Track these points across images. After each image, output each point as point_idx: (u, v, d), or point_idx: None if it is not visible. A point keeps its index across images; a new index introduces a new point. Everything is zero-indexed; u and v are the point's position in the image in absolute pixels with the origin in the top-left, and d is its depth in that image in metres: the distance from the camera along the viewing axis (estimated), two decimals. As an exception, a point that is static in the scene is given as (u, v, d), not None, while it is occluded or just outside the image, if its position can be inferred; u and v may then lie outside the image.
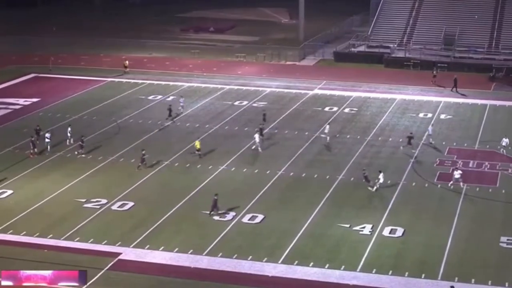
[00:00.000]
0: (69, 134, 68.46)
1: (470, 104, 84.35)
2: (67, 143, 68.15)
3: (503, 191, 58.67)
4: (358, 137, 71.31)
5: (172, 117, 77.08)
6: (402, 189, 58.90)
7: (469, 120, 77.94)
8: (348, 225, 51.78)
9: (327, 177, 61.13)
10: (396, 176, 61.31)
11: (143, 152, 62.91)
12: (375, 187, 57.96)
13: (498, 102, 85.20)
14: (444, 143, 69.64)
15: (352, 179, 60.90)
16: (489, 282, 44.52)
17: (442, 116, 78.85)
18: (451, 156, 66.28)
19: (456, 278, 44.48)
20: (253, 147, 67.18)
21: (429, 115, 79.34)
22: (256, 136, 67.32)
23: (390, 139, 71.15)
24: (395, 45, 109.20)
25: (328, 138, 67.53)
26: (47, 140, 66.59)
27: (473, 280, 44.68)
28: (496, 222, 53.11)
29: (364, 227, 51.60)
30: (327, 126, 67.44)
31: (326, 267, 46.27)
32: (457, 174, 59.06)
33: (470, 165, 64.23)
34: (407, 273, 45.53)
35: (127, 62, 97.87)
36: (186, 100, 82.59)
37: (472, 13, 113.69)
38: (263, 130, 70.83)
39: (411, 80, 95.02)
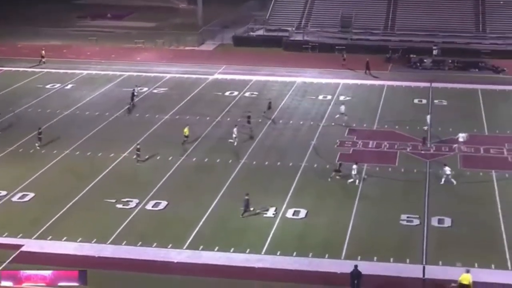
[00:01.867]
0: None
1: (368, 85, 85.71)
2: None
3: (402, 169, 59.86)
4: (260, 120, 71.62)
5: (132, 103, 76.48)
6: (304, 171, 59.46)
7: (368, 101, 79.20)
8: (251, 209, 52.00)
9: (230, 161, 61.27)
10: (298, 158, 61.86)
11: (138, 147, 61.88)
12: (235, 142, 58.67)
13: (395, 82, 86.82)
14: (343, 124, 70.55)
15: (254, 162, 61.18)
16: (391, 260, 45.40)
17: (341, 98, 79.85)
18: (351, 137, 67.23)
19: (359, 257, 45.16)
20: (230, 140, 65.51)
21: (329, 97, 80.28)
22: (235, 129, 66.00)
23: (291, 121, 71.70)
24: (293, 29, 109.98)
25: (235, 143, 65.46)
26: None
27: (375, 258, 45.48)
28: (396, 201, 54.18)
29: (267, 210, 51.94)
30: (235, 130, 66.24)
31: (231, 251, 46.40)
32: None
33: (370, 145, 65.31)
34: (311, 254, 46.05)
35: (43, 51, 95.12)
36: (86, 88, 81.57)
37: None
38: (250, 118, 70.76)
39: (310, 62, 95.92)
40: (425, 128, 67.90)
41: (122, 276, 43.75)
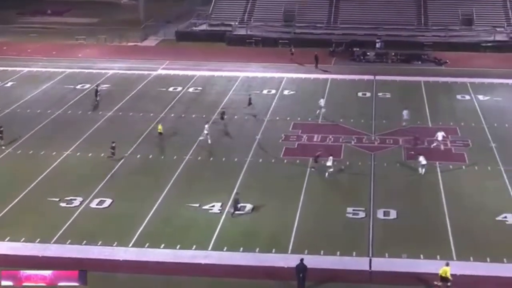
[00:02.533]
0: None
1: (312, 79, 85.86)
2: None
3: (347, 162, 60.00)
4: (204, 116, 71.16)
5: (97, 99, 75.69)
6: (250, 166, 59.30)
7: (312, 94, 79.29)
8: (197, 205, 51.71)
9: (174, 157, 60.84)
10: (243, 153, 61.66)
11: (113, 144, 60.82)
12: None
13: (339, 76, 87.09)
14: (288, 118, 70.55)
15: (199, 158, 60.84)
16: (337, 253, 45.51)
17: (286, 92, 79.90)
18: (296, 131, 67.24)
19: (306, 251, 45.16)
20: (201, 137, 64.67)
21: (273, 91, 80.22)
22: (206, 126, 65.13)
23: (236, 116, 71.43)
24: (237, 23, 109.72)
25: (209, 140, 64.69)
26: None
27: (322, 252, 45.55)
28: (342, 194, 54.33)
29: (213, 206, 51.67)
30: (206, 126, 65.27)
31: (178, 247, 46.11)
32: None
33: (315, 139, 65.37)
34: (257, 249, 45.96)
35: None
36: (27, 85, 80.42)
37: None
38: (225, 114, 70.24)
39: (254, 57, 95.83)
40: (404, 124, 68.11)
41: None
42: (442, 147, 62.29)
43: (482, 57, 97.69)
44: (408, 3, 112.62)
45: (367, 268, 44.02)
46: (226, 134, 66.50)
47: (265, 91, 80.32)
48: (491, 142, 63.94)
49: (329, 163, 57.38)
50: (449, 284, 41.36)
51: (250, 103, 73.99)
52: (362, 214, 50.68)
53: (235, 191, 53.69)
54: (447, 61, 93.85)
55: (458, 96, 78.71)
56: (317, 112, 70.89)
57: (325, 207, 51.96)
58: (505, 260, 44.62)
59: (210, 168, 58.91)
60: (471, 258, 44.90)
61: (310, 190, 54.53)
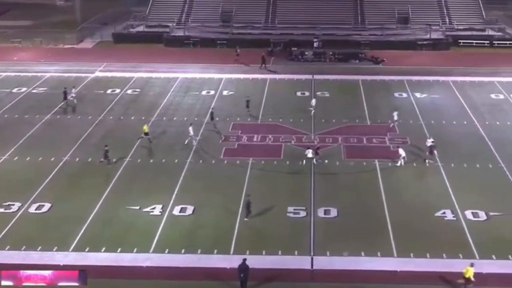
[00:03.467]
0: None
1: (251, 79, 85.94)
2: None
3: (287, 162, 60.17)
4: (143, 118, 70.76)
5: (66, 101, 74.71)
6: (190, 167, 59.11)
7: (251, 94, 79.27)
8: (138, 207, 51.38)
9: (114, 160, 60.27)
10: (183, 155, 61.44)
11: (106, 148, 59.82)
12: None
13: (277, 76, 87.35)
14: (228, 119, 70.49)
15: (139, 160, 60.44)
16: (279, 252, 45.61)
17: (225, 93, 79.84)
18: (235, 131, 67.21)
19: (248, 251, 45.20)
20: (186, 141, 63.93)
21: (212, 92, 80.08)
22: (190, 128, 64.42)
23: (175, 118, 71.18)
24: (174, 24, 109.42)
25: (194, 141, 64.22)
26: None
27: (264, 252, 45.63)
28: (282, 193, 54.43)
29: (154, 208, 51.40)
30: (190, 129, 64.43)
31: (119, 251, 45.78)
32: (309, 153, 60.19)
33: (255, 139, 65.41)
34: (199, 250, 45.87)
35: None
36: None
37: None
38: (213, 114, 69.76)
39: (192, 58, 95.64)
40: (391, 125, 68.35)
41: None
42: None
43: (419, 55, 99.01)
44: (345, 3, 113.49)
45: (309, 267, 44.20)
46: (164, 135, 66.19)
47: (204, 92, 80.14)
48: (428, 138, 64.63)
49: (309, 155, 58.46)
50: (470, 285, 41.67)
51: (247, 106, 73.15)
52: (303, 213, 50.87)
53: (243, 193, 53.66)
54: (384, 59, 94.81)
55: (396, 94, 79.55)
56: (312, 112, 71.40)
57: (266, 206, 51.95)
58: (444, 255, 45.21)
59: (150, 170, 58.56)
60: (411, 254, 45.38)
61: (251, 191, 54.43)
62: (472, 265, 41.82)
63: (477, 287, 41.97)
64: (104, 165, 59.10)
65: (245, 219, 50.13)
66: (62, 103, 74.74)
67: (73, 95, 76.31)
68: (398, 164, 58.80)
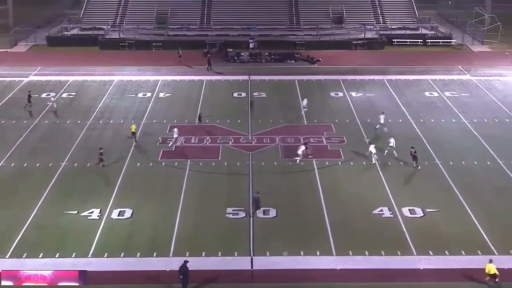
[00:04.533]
0: None
1: (188, 80, 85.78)
2: None
3: (225, 163, 60.21)
4: (79, 121, 70.18)
5: (30, 104, 73.96)
6: (127, 170, 58.77)
7: (188, 96, 79.23)
8: (75, 212, 50.91)
9: (50, 164, 59.68)
10: (120, 157, 61.07)
11: (101, 151, 59.01)
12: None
13: (214, 77, 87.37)
14: (165, 121, 70.28)
15: (75, 164, 59.88)
16: (219, 253, 45.61)
17: (161, 95, 79.55)
18: (173, 133, 66.95)
19: (188, 253, 45.13)
20: (170, 143, 64.03)
21: (148, 94, 79.71)
22: (175, 130, 64.54)
23: (111, 121, 70.70)
24: (109, 27, 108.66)
25: (178, 142, 64.58)
26: None
27: (203, 253, 45.60)
28: (221, 195, 54.44)
29: (92, 212, 50.97)
30: (175, 130, 65.27)
31: (57, 256, 45.26)
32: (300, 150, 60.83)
33: (192, 140, 65.32)
34: (139, 254, 45.61)
35: None
36: None
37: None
38: (201, 116, 70.29)
39: (128, 60, 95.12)
40: (378, 126, 68.31)
41: None
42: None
43: (354, 54, 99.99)
44: (280, 3, 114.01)
45: (249, 268, 44.22)
46: (101, 139, 65.69)
47: (140, 94, 79.72)
48: (365, 138, 65.31)
49: (299, 151, 59.86)
50: (496, 280, 42.21)
51: (251, 106, 72.86)
52: (242, 214, 50.94)
53: (250, 191, 53.94)
54: (320, 59, 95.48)
55: (332, 94, 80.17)
56: (303, 111, 72.12)
57: (205, 208, 51.98)
58: (383, 252, 45.69)
59: (88, 174, 58.07)
60: (350, 252, 45.77)
61: (190, 192, 54.45)
62: (490, 261, 42.61)
63: (414, 283, 42.61)
64: (99, 167, 59.07)
65: (251, 215, 50.74)
66: (26, 105, 74.31)
67: (53, 99, 76.14)
68: (373, 161, 59.58)
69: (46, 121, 70.42)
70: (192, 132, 67.28)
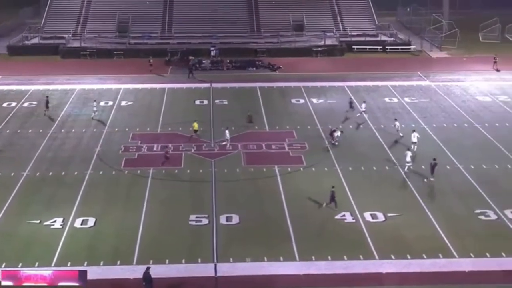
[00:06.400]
0: None
1: (149, 88, 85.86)
2: None
3: (188, 171, 60.36)
4: (41, 130, 69.96)
5: (48, 109, 74.63)
6: (90, 179, 58.65)
7: (150, 104, 79.29)
8: (38, 221, 50.72)
9: (12, 174, 59.41)
10: (83, 166, 60.96)
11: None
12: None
13: (176, 85, 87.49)
14: (127, 129, 70.27)
15: (38, 174, 59.67)
16: (183, 261, 45.68)
17: (123, 103, 79.52)
18: (135, 141, 67.05)
19: (151, 261, 45.08)
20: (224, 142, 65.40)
21: (110, 103, 79.65)
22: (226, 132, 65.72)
23: (73, 130, 70.53)
24: (70, 35, 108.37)
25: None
26: None
27: (167, 261, 45.63)
28: (184, 202, 54.53)
29: (55, 221, 50.78)
30: (227, 132, 66.19)
31: (20, 266, 44.87)
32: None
33: (155, 148, 65.40)
34: (102, 262, 45.55)
35: None
36: None
37: (143, 0, 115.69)
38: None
39: (89, 69, 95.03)
40: (358, 114, 71.82)
41: None
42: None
43: (314, 61, 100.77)
44: (241, 11, 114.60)
45: (213, 274, 44.40)
46: (62, 148, 65.50)
47: (102, 103, 79.57)
48: (326, 144, 65.86)
49: (337, 133, 64.03)
50: None
51: (251, 121, 72.66)
52: (205, 221, 51.08)
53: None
54: (281, 66, 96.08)
55: (293, 100, 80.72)
56: (358, 115, 73.61)
57: (168, 216, 52.05)
58: (345, 257, 46.04)
59: (50, 183, 57.89)
60: (313, 257, 46.05)
61: (153, 200, 54.50)
62: None
63: (377, 286, 43.09)
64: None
65: (326, 205, 52.88)
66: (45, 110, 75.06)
67: (95, 109, 75.77)
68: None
69: (8, 131, 70.09)
70: (155, 140, 67.34)
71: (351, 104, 75.19)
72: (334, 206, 52.45)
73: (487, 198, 54.68)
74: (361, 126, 71.00)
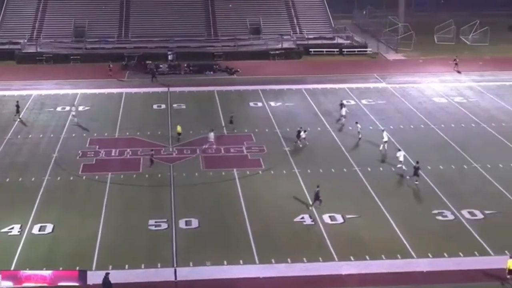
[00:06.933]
0: None
1: (107, 93, 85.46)
2: None
3: (146, 175, 60.19)
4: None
5: (19, 114, 74.06)
6: (48, 185, 58.24)
7: (107, 109, 78.94)
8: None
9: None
10: (40, 172, 60.50)
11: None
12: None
13: (133, 89, 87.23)
14: (85, 134, 69.93)
15: (-6, 180, 59.27)
16: (142, 266, 45.50)
17: (81, 108, 79.00)
18: (93, 146, 66.70)
19: (110, 266, 44.82)
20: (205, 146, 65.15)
21: (67, 108, 79.10)
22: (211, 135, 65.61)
23: (30, 135, 70.00)
24: (26, 41, 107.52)
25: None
26: None
27: (126, 266, 45.43)
28: (143, 207, 54.37)
29: (12, 228, 50.31)
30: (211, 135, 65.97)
31: (-23, 274, 44.62)
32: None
33: (113, 153, 65.13)
34: (61, 268, 45.04)
35: None
36: None
37: (99, 4, 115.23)
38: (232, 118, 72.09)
39: (46, 74, 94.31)
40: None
41: None
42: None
43: (272, 64, 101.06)
44: (197, 15, 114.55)
45: (173, 279, 44.34)
46: (19, 153, 64.97)
47: (59, 108, 79.09)
48: (284, 146, 66.11)
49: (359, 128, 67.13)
50: None
51: (231, 122, 72.08)
52: (164, 225, 50.98)
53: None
54: (238, 70, 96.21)
55: (251, 104, 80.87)
56: (338, 121, 73.66)
57: (127, 221, 51.85)
58: (305, 259, 46.19)
59: (7, 190, 57.37)
60: (273, 260, 46.14)
61: (111, 205, 54.26)
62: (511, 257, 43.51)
63: (337, 288, 43.43)
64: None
65: (310, 207, 53.13)
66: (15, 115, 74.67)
67: (73, 113, 75.54)
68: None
69: (-37, 137, 69.47)
70: (113, 145, 67.06)
71: (341, 106, 74.90)
72: (318, 204, 52.97)
73: (444, 199, 55.29)
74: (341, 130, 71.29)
